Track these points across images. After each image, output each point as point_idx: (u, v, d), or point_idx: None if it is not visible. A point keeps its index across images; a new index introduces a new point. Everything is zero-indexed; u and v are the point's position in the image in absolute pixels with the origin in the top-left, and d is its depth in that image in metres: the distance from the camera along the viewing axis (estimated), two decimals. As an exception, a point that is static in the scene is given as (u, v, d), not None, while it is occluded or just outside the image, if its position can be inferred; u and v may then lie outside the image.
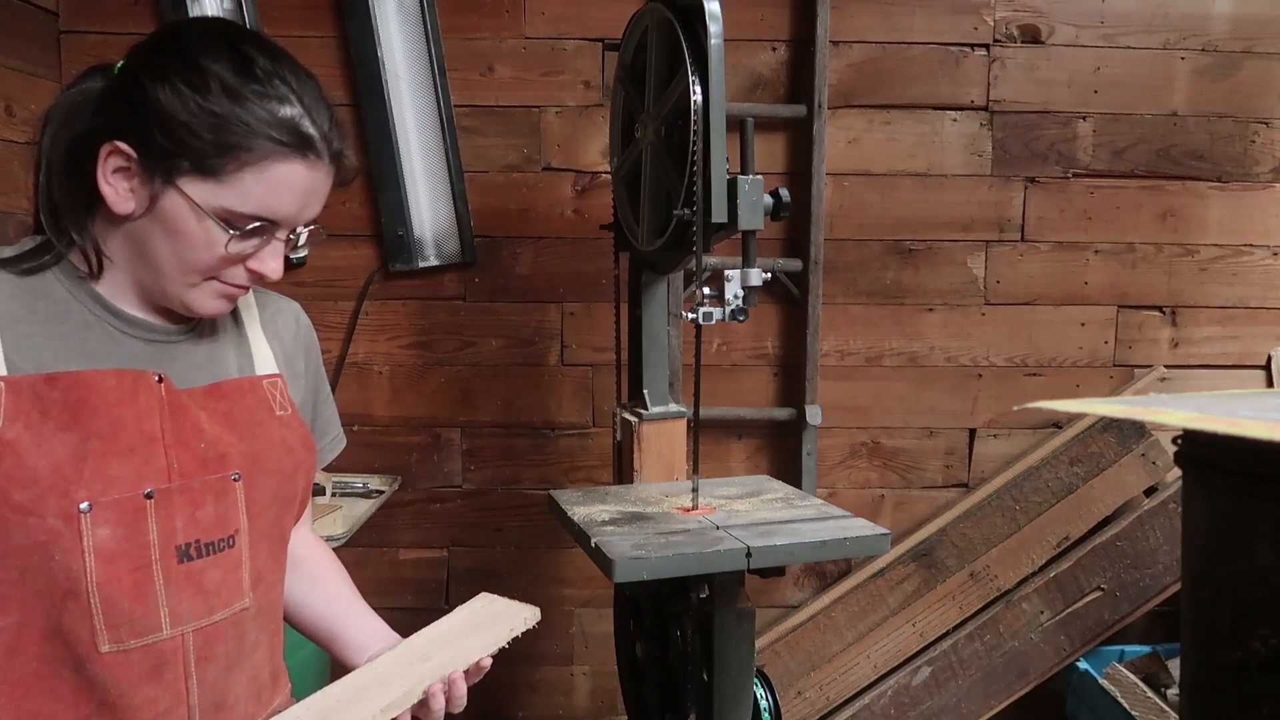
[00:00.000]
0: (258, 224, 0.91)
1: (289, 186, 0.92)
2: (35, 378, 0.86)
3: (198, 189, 0.89)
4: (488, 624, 1.16)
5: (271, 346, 1.09)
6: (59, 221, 0.92)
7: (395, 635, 1.16)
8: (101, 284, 0.94)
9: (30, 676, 0.87)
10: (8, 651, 0.86)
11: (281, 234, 0.95)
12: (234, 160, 0.88)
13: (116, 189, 0.90)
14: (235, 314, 1.07)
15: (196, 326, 1.01)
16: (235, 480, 0.97)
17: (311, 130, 0.92)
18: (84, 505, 0.85)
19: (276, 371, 1.07)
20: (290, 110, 0.91)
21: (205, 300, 0.95)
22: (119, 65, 0.93)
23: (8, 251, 0.92)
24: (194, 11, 2.22)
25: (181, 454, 0.93)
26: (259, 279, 0.97)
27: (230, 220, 0.90)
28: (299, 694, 1.13)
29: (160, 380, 0.93)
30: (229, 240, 0.91)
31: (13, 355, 0.86)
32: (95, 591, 0.86)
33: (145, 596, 0.89)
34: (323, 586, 1.20)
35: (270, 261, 0.96)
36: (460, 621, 1.17)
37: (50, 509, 0.84)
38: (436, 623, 1.16)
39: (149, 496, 0.89)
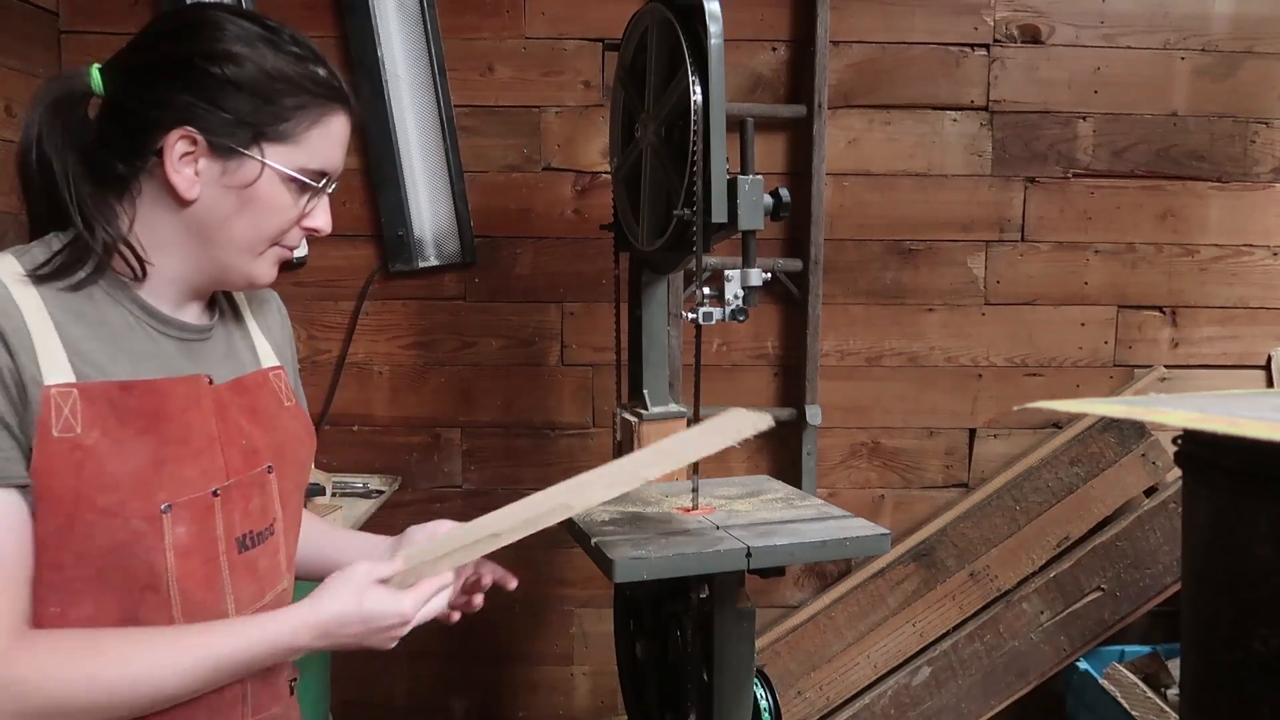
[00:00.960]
0: (322, 178, 0.97)
1: (341, 138, 0.99)
2: (109, 385, 0.88)
3: (276, 154, 0.93)
4: (718, 431, 1.27)
5: (267, 338, 1.12)
6: (93, 226, 0.91)
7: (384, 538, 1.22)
8: (146, 283, 0.94)
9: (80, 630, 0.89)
10: None
11: (329, 187, 1.00)
12: (304, 120, 0.94)
13: (184, 175, 0.90)
14: (235, 308, 1.09)
15: (215, 322, 1.03)
16: (269, 472, 1.02)
17: (342, 84, 0.98)
18: (164, 506, 0.89)
19: (278, 363, 1.10)
20: (321, 69, 0.96)
21: (267, 269, 0.99)
22: (130, 63, 0.93)
23: (39, 258, 0.89)
24: (194, 11, 2.22)
25: (231, 452, 0.97)
26: (313, 234, 1.01)
27: (305, 178, 0.95)
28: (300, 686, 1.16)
29: (210, 382, 0.97)
30: (307, 198, 0.96)
31: (75, 360, 0.87)
32: (174, 584, 0.90)
33: (214, 586, 0.94)
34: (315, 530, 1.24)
35: (321, 216, 1.00)
36: (697, 429, 1.30)
37: (134, 511, 0.87)
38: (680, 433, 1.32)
39: (215, 494, 0.94)
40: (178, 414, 0.92)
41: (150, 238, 0.93)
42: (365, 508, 2.10)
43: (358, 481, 2.27)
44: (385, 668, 2.44)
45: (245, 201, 0.93)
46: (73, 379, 0.86)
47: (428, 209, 2.33)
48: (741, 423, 1.25)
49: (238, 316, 1.09)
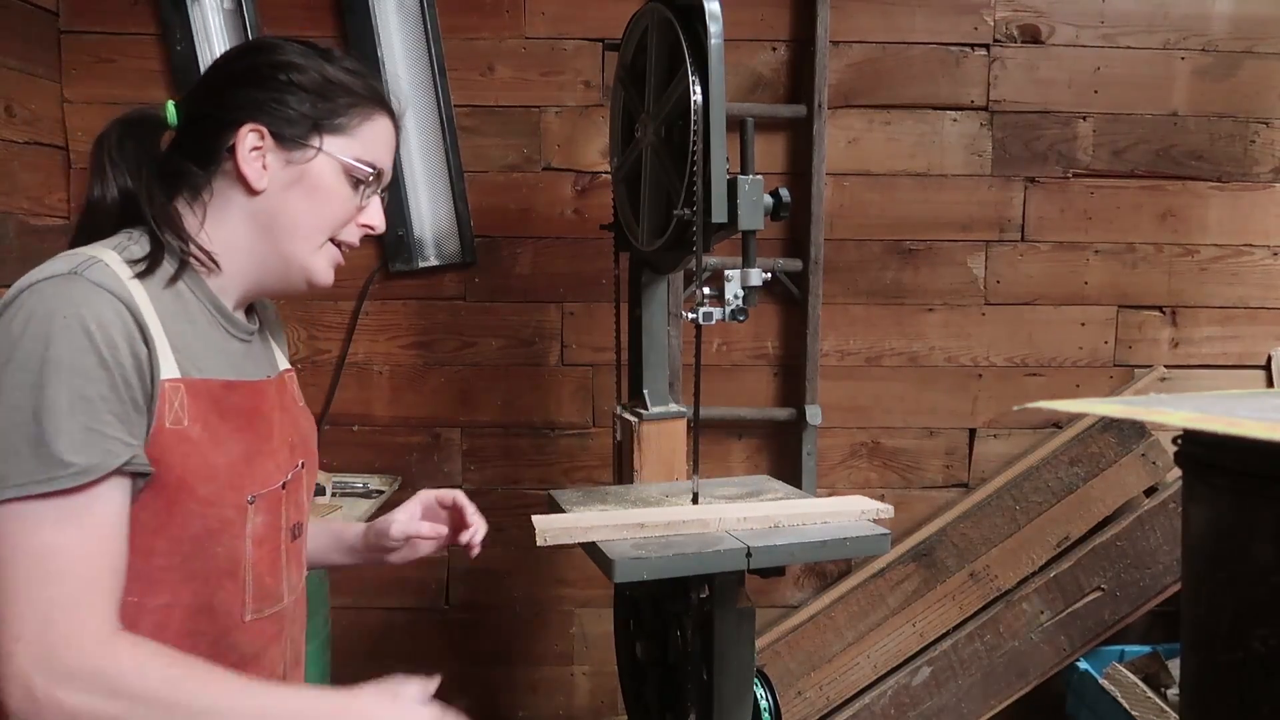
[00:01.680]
0: (371, 172, 1.03)
1: (389, 139, 1.07)
2: (212, 383, 0.95)
3: (335, 145, 1.01)
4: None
5: (276, 343, 1.18)
6: (165, 227, 0.97)
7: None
8: (213, 281, 1.00)
9: (173, 646, 0.91)
10: (155, 628, 0.91)
11: (380, 188, 1.07)
12: (358, 115, 1.02)
13: (254, 167, 0.98)
14: (260, 314, 1.15)
15: (258, 326, 1.10)
16: (302, 468, 1.09)
17: (389, 96, 1.08)
18: (250, 498, 0.97)
19: (289, 366, 1.18)
20: (375, 82, 1.07)
21: (324, 265, 1.04)
22: (204, 82, 1.04)
23: (135, 254, 0.94)
24: (194, 14, 2.22)
25: (287, 448, 1.05)
26: (368, 232, 1.07)
27: (359, 170, 1.02)
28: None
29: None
30: (363, 189, 1.04)
31: (178, 357, 0.92)
32: (250, 571, 0.98)
33: (276, 571, 1.02)
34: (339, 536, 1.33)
35: (376, 215, 1.07)
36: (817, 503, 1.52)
37: (227, 501, 0.94)
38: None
39: (283, 487, 1.02)
40: (267, 412, 1.02)
41: (220, 236, 1.00)
42: (365, 508, 2.10)
43: (358, 481, 2.27)
44: (385, 668, 2.44)
45: (307, 190, 1.00)
46: (178, 374, 0.91)
47: (428, 209, 2.33)
48: (865, 505, 1.48)
49: (262, 321, 1.15)
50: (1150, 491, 2.43)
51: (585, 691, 2.51)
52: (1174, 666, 2.35)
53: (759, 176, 1.46)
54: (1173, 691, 2.30)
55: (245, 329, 1.05)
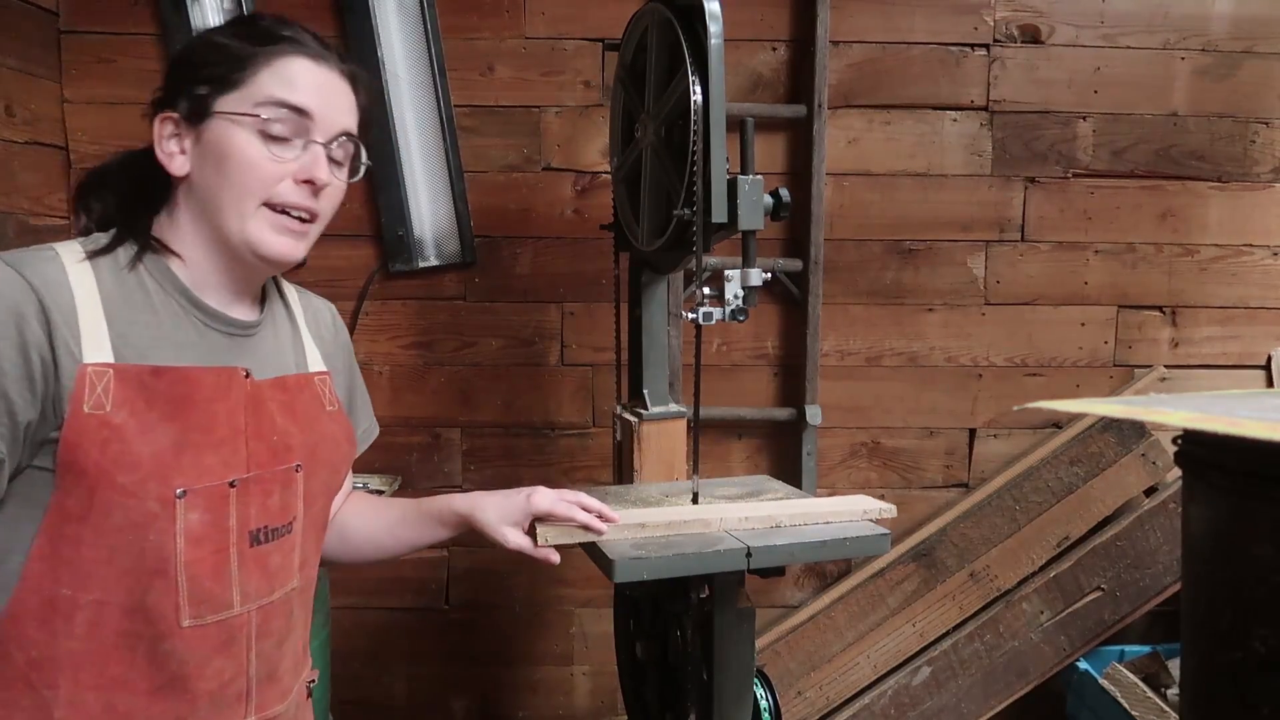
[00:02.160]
0: (284, 111, 0.98)
1: (303, 78, 1.00)
2: (142, 369, 0.92)
3: (228, 102, 0.97)
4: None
5: (317, 345, 1.17)
6: (129, 217, 1.01)
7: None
8: (182, 273, 1.00)
9: (110, 648, 0.92)
10: (89, 626, 0.91)
11: (318, 136, 1.00)
12: (249, 67, 0.98)
13: (172, 153, 0.99)
14: (290, 312, 1.15)
15: (264, 320, 1.08)
16: (297, 471, 1.05)
17: (309, 39, 1.02)
18: (179, 491, 0.93)
19: (325, 369, 1.16)
20: (288, 30, 1.02)
21: (266, 234, 0.99)
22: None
23: (101, 241, 0.98)
24: (194, 12, 2.22)
25: (258, 445, 1.00)
26: (311, 190, 1.01)
27: (259, 114, 0.97)
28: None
29: (247, 375, 1.01)
30: (292, 143, 0.98)
31: (118, 343, 0.92)
32: (182, 570, 0.93)
33: (222, 576, 0.97)
34: (391, 503, 1.32)
35: (316, 167, 1.00)
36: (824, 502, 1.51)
37: (150, 493, 0.91)
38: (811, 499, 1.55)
39: (232, 485, 0.97)
40: (204, 403, 0.96)
41: (179, 230, 1.01)
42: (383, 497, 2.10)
43: (358, 481, 2.27)
44: (385, 668, 2.45)
45: (216, 159, 0.97)
46: (111, 359, 0.90)
47: (428, 209, 2.33)
48: (868, 505, 1.48)
49: (291, 321, 1.15)
50: (1150, 491, 2.43)
51: (585, 691, 2.51)
52: (1174, 666, 2.35)
53: (759, 176, 1.46)
54: (1173, 691, 2.30)
55: (236, 324, 1.03)
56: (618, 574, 1.29)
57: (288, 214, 1.00)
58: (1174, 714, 2.18)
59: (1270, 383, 2.51)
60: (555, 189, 2.37)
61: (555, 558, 1.28)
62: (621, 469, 1.82)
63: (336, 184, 1.04)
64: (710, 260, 2.26)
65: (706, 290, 1.50)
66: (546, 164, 2.37)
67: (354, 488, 1.35)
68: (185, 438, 0.94)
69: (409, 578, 2.42)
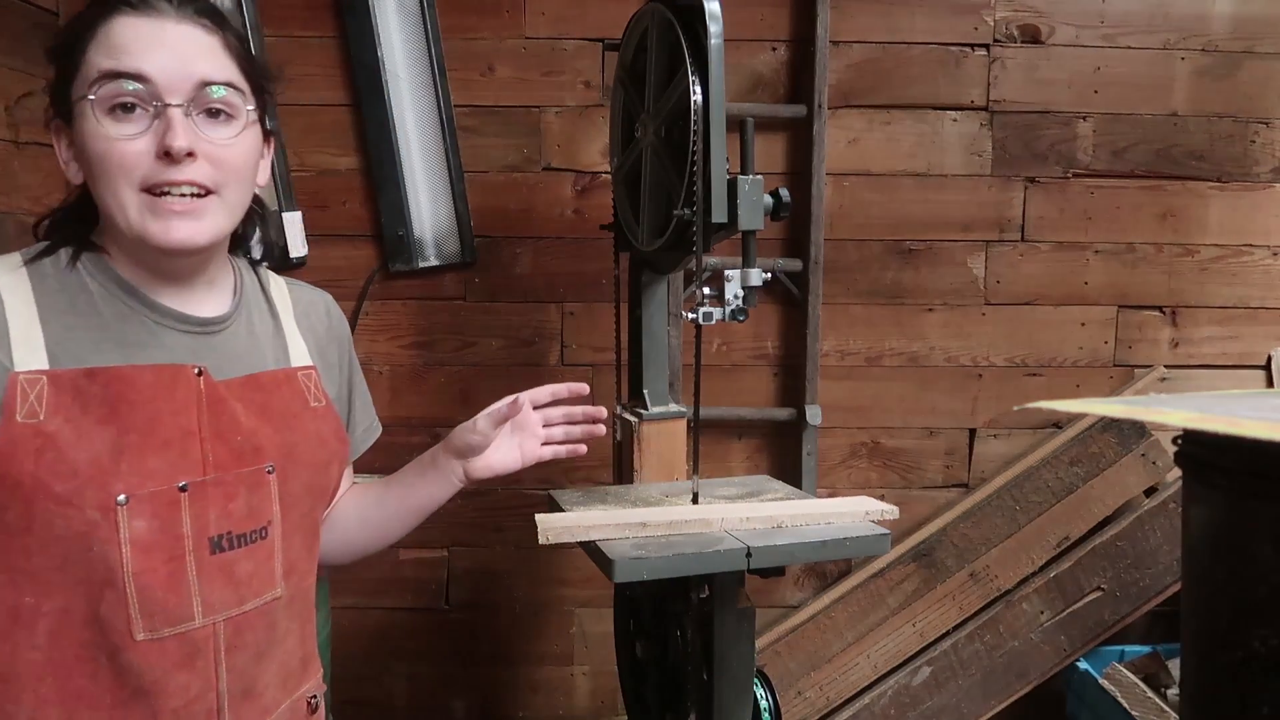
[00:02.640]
0: (115, 84, 0.89)
1: (132, 39, 0.90)
2: (76, 372, 0.88)
3: (74, 91, 0.91)
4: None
5: (305, 339, 1.11)
6: (73, 229, 0.98)
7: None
8: (127, 272, 0.96)
9: (73, 659, 0.89)
10: (52, 635, 0.88)
11: (173, 99, 0.90)
12: (80, 50, 0.91)
13: (66, 161, 0.95)
14: (272, 306, 1.10)
15: (235, 317, 1.03)
16: (269, 472, 0.99)
17: None
18: (121, 498, 0.88)
19: (311, 364, 1.10)
20: None
21: (150, 223, 0.91)
22: None
23: (39, 247, 0.96)
24: (194, 11, 2.21)
25: (217, 447, 0.95)
26: (169, 159, 0.90)
27: (90, 97, 0.89)
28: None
29: (199, 373, 0.95)
30: (114, 120, 0.89)
31: (55, 349, 0.88)
32: (131, 581, 0.88)
33: (179, 587, 0.91)
34: (388, 484, 1.30)
35: (170, 136, 0.89)
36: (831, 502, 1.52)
37: (89, 501, 0.86)
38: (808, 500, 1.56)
39: (183, 489, 0.92)
40: (143, 403, 0.90)
41: (107, 232, 0.97)
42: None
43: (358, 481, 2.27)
44: (385, 668, 2.44)
45: (84, 155, 0.92)
46: (45, 366, 0.87)
47: (428, 209, 2.33)
48: (870, 506, 1.48)
49: (273, 314, 1.09)
50: (1150, 491, 2.43)
51: (585, 691, 2.51)
52: (1174, 666, 2.35)
53: (759, 176, 1.46)
54: (1173, 691, 2.30)
55: (194, 320, 0.98)
56: (618, 574, 1.29)
57: (169, 194, 0.91)
58: (1174, 714, 2.18)
59: (1270, 383, 2.51)
60: (555, 189, 2.37)
61: (582, 448, 1.30)
62: (621, 469, 1.82)
63: (221, 143, 0.93)
64: (710, 260, 2.26)
65: (706, 290, 1.50)
66: (546, 164, 2.37)
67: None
68: (123, 440, 0.88)
69: (409, 578, 2.42)
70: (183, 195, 0.91)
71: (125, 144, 0.89)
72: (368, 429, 1.27)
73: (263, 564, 0.99)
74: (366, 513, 1.25)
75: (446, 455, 1.26)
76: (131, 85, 0.89)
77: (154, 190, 0.91)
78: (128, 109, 0.89)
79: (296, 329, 1.11)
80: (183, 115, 0.90)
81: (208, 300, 1.01)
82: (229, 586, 0.95)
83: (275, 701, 1.02)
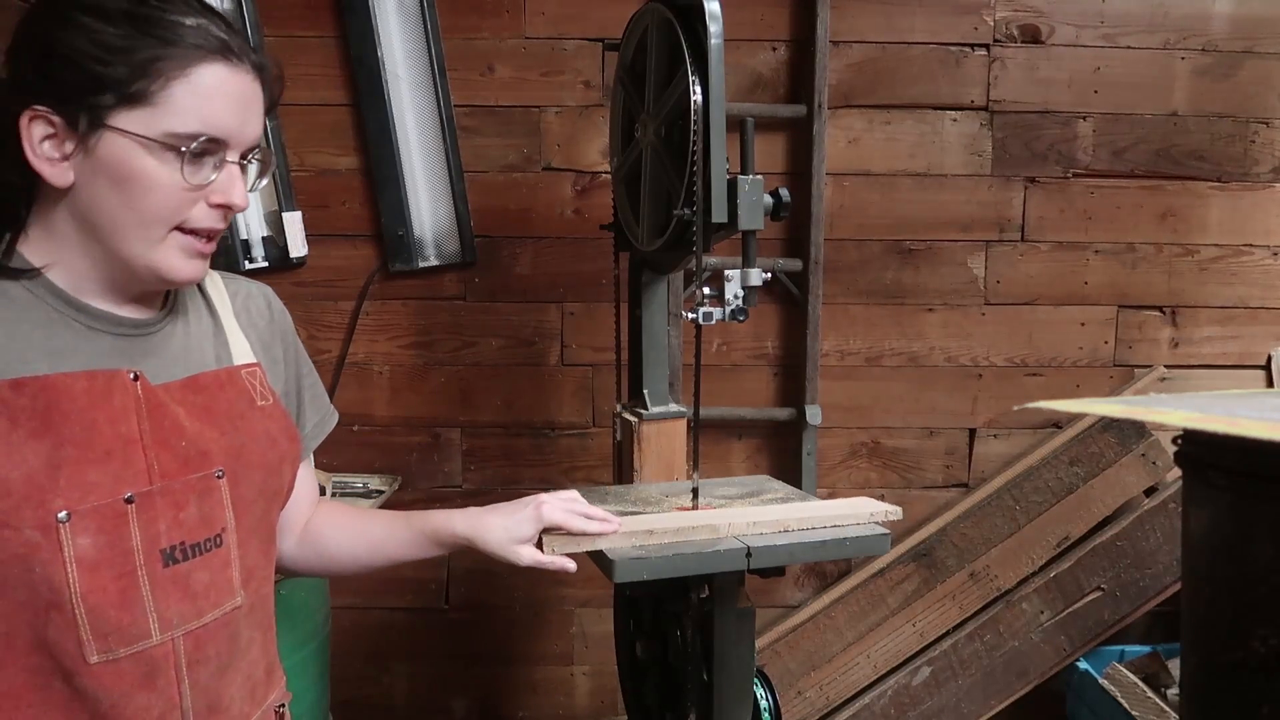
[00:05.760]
0: (205, 141, 0.86)
1: (221, 92, 0.87)
2: (0, 384, 0.82)
3: (133, 120, 0.84)
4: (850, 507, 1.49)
5: (247, 335, 1.05)
6: None
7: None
8: (59, 276, 0.89)
9: (21, 688, 0.84)
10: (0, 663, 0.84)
11: (233, 155, 0.90)
12: (158, 77, 0.84)
13: (51, 161, 0.85)
14: (209, 303, 1.04)
15: (169, 317, 0.97)
16: (219, 477, 0.94)
17: (222, 34, 0.88)
18: (62, 515, 0.82)
19: (254, 360, 1.04)
20: (194, 19, 0.87)
21: (175, 259, 0.89)
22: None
23: None
24: (194, 11, 2.21)
25: (162, 454, 0.89)
26: (226, 213, 0.91)
27: (176, 144, 0.85)
28: (295, 689, 1.14)
29: (136, 378, 0.89)
30: (200, 171, 0.87)
31: None
32: (80, 602, 0.83)
33: (132, 604, 0.86)
34: (375, 517, 1.26)
35: (233, 191, 0.90)
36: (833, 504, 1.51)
37: (27, 520, 0.81)
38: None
39: (129, 501, 0.86)
40: (77, 412, 0.84)
41: (50, 234, 0.89)
42: (364, 508, 2.10)
43: (357, 481, 2.27)
44: (385, 668, 2.44)
45: (114, 180, 0.85)
46: None
47: (428, 209, 2.33)
48: (874, 508, 1.47)
49: (211, 312, 1.03)
50: (1150, 491, 2.43)
51: (585, 691, 2.51)
52: (1174, 666, 2.35)
53: (759, 176, 1.46)
54: (1173, 691, 2.30)
55: (128, 323, 0.92)
56: (618, 574, 1.29)
57: (196, 234, 0.90)
58: (1174, 714, 2.18)
59: (1270, 383, 2.51)
60: (555, 189, 2.37)
61: (571, 566, 1.25)
62: (621, 469, 1.82)
63: (249, 194, 0.94)
64: (710, 260, 2.26)
65: (706, 290, 1.50)
66: (546, 164, 2.37)
67: (350, 489, 1.30)
68: (60, 453, 0.82)
69: (409, 578, 2.41)
70: (210, 239, 0.92)
71: (190, 192, 0.88)
72: (319, 423, 1.19)
73: (219, 573, 0.94)
74: (358, 550, 1.24)
75: (455, 536, 1.26)
76: (210, 143, 0.88)
77: (186, 230, 0.89)
78: (198, 155, 0.87)
79: (237, 325, 1.05)
80: (239, 171, 0.91)
81: (140, 300, 0.94)
82: (186, 599, 0.90)
83: (244, 714, 0.99)
